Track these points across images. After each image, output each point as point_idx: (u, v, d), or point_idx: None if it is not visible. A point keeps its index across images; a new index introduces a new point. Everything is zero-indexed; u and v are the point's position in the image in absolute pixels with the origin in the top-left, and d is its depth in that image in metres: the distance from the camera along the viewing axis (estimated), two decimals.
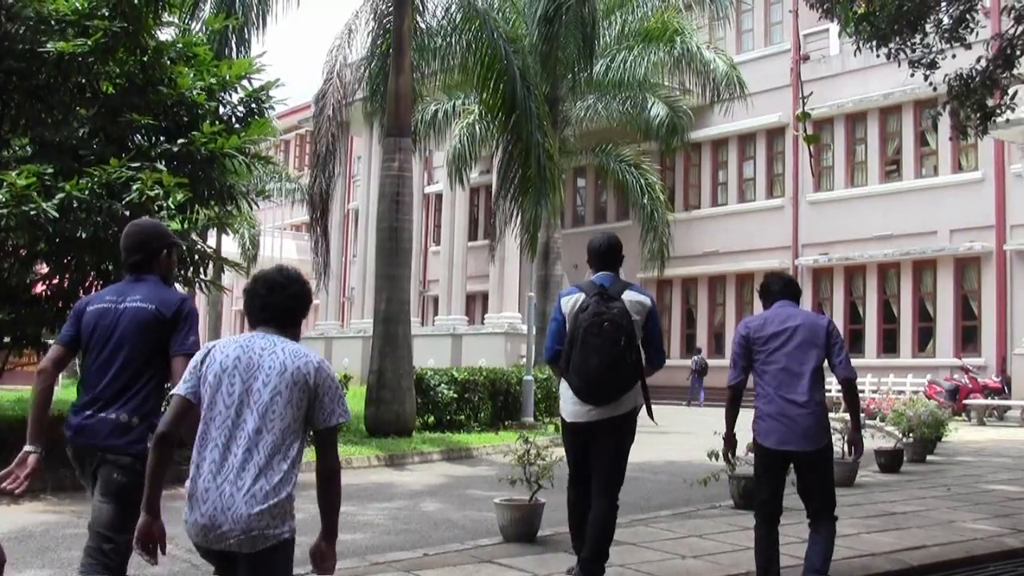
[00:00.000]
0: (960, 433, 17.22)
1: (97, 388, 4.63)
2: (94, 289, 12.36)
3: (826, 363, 6.21)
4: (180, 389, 3.98)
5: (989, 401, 24.67)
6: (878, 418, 16.47)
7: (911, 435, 14.06)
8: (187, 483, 3.86)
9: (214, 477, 3.80)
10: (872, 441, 13.50)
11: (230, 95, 12.70)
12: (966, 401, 24.64)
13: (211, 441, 3.87)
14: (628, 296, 6.34)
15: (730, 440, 6.73)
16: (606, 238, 6.63)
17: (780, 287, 6.54)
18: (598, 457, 6.39)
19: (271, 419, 3.77)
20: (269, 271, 4.08)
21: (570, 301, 6.39)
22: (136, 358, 4.56)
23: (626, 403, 6.31)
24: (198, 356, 3.99)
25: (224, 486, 3.76)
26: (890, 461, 13.03)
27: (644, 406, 6.48)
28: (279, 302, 3.97)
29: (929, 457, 14.35)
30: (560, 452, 8.04)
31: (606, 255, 6.55)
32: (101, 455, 4.60)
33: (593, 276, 6.55)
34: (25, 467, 4.47)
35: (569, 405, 6.36)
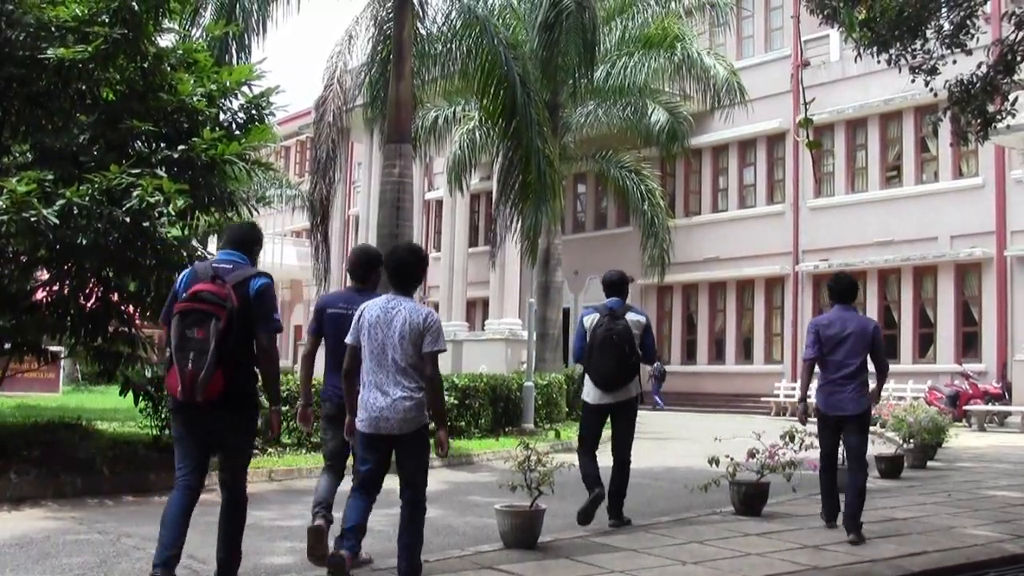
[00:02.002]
0: (961, 439, 17.21)
1: (340, 370, 6.75)
2: (95, 295, 12.37)
3: None
4: (349, 340, 6.43)
5: (990, 407, 24.65)
6: (878, 424, 16.47)
7: (912, 441, 14.04)
8: (360, 395, 6.31)
9: (373, 393, 6.26)
10: (873, 447, 13.49)
11: (230, 101, 12.66)
12: (967, 407, 24.63)
13: (371, 370, 6.29)
14: (629, 316, 8.78)
15: (804, 402, 9.08)
16: (617, 273, 9.18)
17: (839, 293, 8.97)
18: (616, 430, 9.01)
19: (402, 352, 6.24)
20: (403, 253, 6.63)
21: (589, 319, 8.82)
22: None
23: (631, 390, 8.80)
24: (356, 316, 6.44)
25: (379, 397, 6.23)
26: (891, 467, 13.02)
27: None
28: (405, 279, 6.49)
29: (930, 463, 14.34)
30: (560, 459, 8.16)
31: (617, 285, 9.06)
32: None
33: (606, 300, 8.95)
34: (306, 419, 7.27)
35: (592, 392, 8.85)
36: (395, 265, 6.50)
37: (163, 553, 5.78)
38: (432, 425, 6.41)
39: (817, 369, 8.93)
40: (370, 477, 6.49)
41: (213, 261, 6.09)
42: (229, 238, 6.25)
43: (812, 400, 9.03)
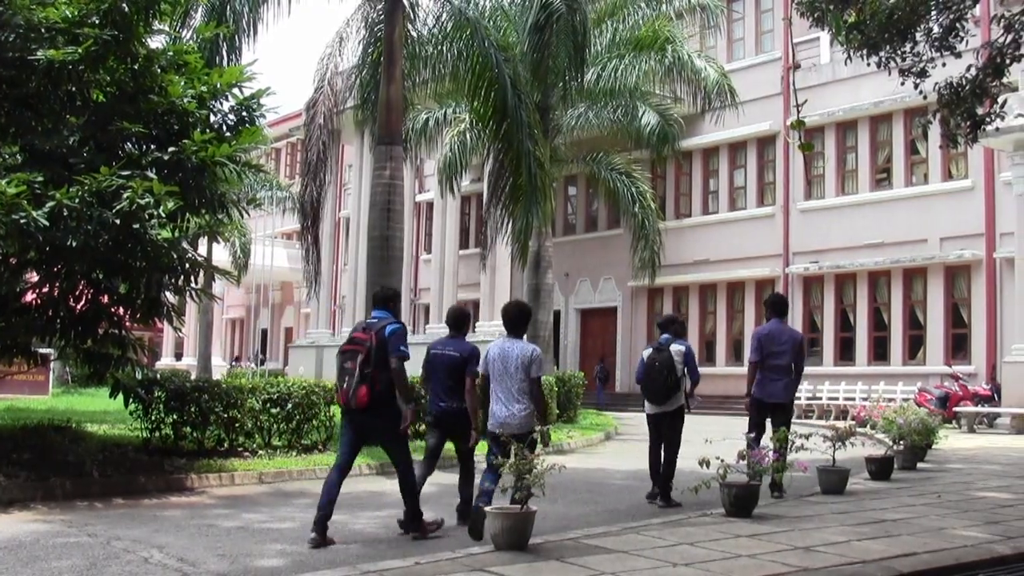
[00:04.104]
0: (950, 440, 17.23)
1: (443, 393, 9.56)
2: (85, 297, 12.34)
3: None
4: (480, 369, 9.20)
5: (979, 408, 24.69)
6: (868, 425, 16.49)
7: (901, 442, 14.05)
8: (490, 407, 9.00)
9: (499, 406, 8.90)
10: (863, 448, 13.52)
11: (221, 103, 12.63)
12: (956, 408, 24.66)
13: (495, 392, 8.95)
14: (673, 347, 11.28)
15: (750, 396, 11.41)
16: (669, 316, 12.32)
17: (775, 308, 11.71)
18: (665, 432, 11.45)
19: (516, 378, 8.89)
20: (512, 308, 9.34)
21: (646, 353, 11.53)
22: (453, 376, 9.46)
23: (674, 403, 11.36)
24: (483, 352, 9.19)
25: (503, 409, 8.91)
26: (880, 468, 13.03)
27: (686, 403, 11.53)
28: (515, 326, 9.21)
29: (919, 464, 14.35)
30: (551, 460, 8.15)
31: (664, 324, 11.88)
32: (450, 422, 9.56)
33: (660, 337, 11.60)
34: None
35: (648, 405, 11.61)
36: (508, 317, 9.25)
37: (317, 513, 8.45)
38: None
39: None
40: (495, 462, 8.49)
41: (368, 318, 9.28)
42: (375, 299, 9.52)
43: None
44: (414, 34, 19.56)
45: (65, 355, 13.68)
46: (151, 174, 11.09)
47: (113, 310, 12.71)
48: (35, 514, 9.91)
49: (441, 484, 13.23)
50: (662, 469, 11.31)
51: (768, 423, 11.31)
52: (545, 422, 9.08)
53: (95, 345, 12.60)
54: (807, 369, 29.98)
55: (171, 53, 12.40)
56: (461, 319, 9.99)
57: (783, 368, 11.20)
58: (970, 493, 11.71)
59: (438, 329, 37.12)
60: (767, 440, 10.70)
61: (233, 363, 46.81)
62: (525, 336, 9.49)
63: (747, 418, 11.54)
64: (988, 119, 12.54)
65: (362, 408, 8.57)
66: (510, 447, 8.10)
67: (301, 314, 51.53)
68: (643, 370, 11.43)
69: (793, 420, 11.68)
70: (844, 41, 12.17)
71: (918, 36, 12.27)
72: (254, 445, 14.14)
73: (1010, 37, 12.16)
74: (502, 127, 18.07)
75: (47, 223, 10.13)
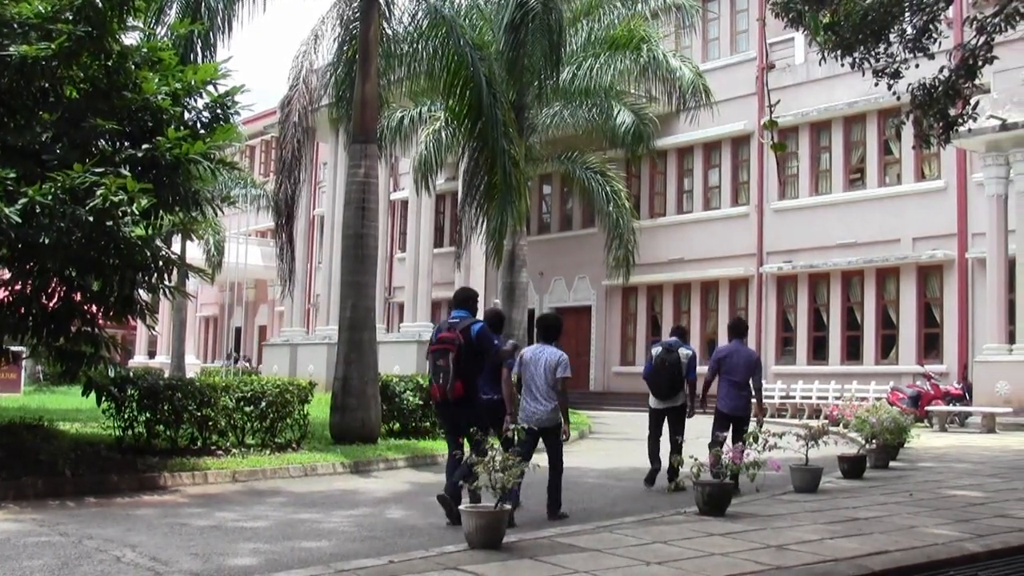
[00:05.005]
0: (922, 439, 17.33)
1: (485, 386, 10.03)
2: (57, 295, 12.26)
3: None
4: (514, 370, 9.98)
5: (951, 408, 24.82)
6: (841, 424, 16.56)
7: (874, 441, 14.12)
8: (520, 403, 9.99)
9: (529, 402, 9.94)
10: (835, 447, 13.60)
11: (195, 100, 12.58)
12: (928, 408, 24.78)
13: (527, 389, 9.96)
14: (681, 350, 12.55)
15: (703, 396, 12.97)
16: (679, 328, 13.93)
17: (736, 331, 13.10)
18: (670, 425, 12.58)
19: (545, 378, 9.91)
20: (545, 319, 10.56)
21: (656, 351, 12.71)
22: (494, 370, 10.01)
23: (677, 399, 12.65)
24: (517, 356, 10.12)
25: (533, 404, 9.93)
26: (853, 467, 13.09)
27: (689, 401, 12.72)
28: (547, 334, 10.36)
29: (892, 463, 14.44)
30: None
31: (678, 332, 13.26)
32: (492, 414, 10.03)
33: (669, 338, 13.02)
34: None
35: (652, 399, 12.86)
36: (540, 326, 10.47)
37: (447, 485, 9.53)
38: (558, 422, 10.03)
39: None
40: (526, 452, 8.99)
41: (449, 318, 10.01)
42: (455, 299, 10.36)
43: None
44: (389, 32, 19.52)
45: (37, 353, 13.60)
46: (125, 171, 11.04)
47: (86, 308, 12.64)
48: (6, 513, 9.85)
49: (415, 482, 13.25)
50: (669, 458, 11.80)
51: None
52: (567, 416, 10.12)
53: (67, 343, 12.53)
54: (781, 368, 30.70)
55: (145, 50, 12.33)
56: (497, 321, 10.95)
57: (740, 384, 12.39)
58: (941, 491, 11.79)
59: (414, 327, 37.22)
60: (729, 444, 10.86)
61: (226, 362, 46.50)
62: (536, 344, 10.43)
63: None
64: (961, 120, 12.65)
65: (457, 400, 9.54)
66: (537, 438, 9.78)
67: (275, 312, 51.36)
68: (651, 368, 12.65)
69: (766, 419, 11.96)
70: (820, 42, 12.24)
71: (892, 37, 12.36)
72: (227, 443, 14.09)
73: (983, 39, 12.27)
74: (477, 126, 18.05)
75: (19, 220, 10.07)
